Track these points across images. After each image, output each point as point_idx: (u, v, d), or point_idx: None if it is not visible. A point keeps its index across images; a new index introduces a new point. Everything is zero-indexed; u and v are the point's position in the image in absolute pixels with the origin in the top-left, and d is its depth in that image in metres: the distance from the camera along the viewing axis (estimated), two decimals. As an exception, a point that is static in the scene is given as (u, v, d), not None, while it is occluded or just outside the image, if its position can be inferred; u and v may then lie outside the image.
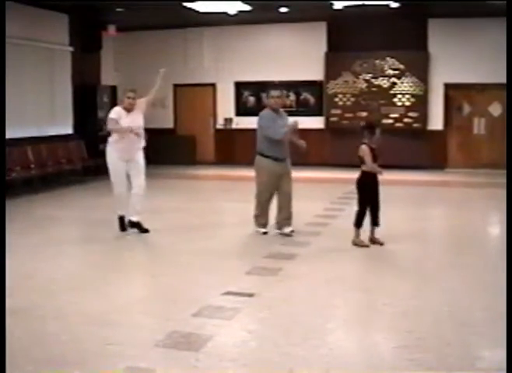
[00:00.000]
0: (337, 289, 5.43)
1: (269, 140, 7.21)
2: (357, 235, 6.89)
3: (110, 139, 7.46)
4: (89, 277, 5.97)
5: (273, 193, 7.44)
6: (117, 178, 7.48)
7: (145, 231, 7.53)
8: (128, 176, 7.55)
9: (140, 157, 7.53)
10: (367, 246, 6.82)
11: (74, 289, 5.42)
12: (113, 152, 7.42)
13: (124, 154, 7.37)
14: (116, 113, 7.35)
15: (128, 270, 6.22)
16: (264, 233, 7.47)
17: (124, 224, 7.60)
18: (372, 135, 6.72)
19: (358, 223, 6.89)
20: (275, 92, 7.51)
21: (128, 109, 7.37)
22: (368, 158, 6.70)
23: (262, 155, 7.32)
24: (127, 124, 7.23)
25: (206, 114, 15.98)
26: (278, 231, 7.48)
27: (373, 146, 6.75)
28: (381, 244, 6.87)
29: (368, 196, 6.84)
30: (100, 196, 11.06)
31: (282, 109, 7.54)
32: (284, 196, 7.42)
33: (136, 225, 7.56)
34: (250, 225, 7.53)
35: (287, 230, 7.42)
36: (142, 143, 7.52)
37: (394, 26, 13.96)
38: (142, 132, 7.42)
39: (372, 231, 6.93)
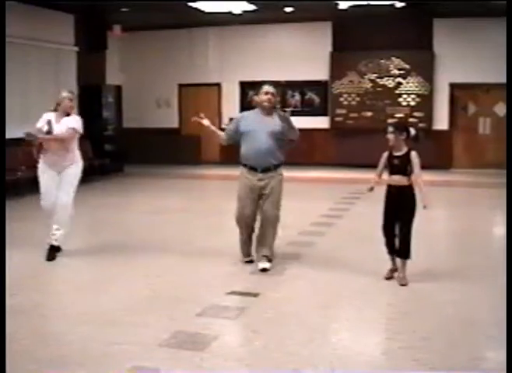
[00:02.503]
0: (342, 289, 5.42)
1: (242, 144, 6.00)
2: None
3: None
4: (93, 276, 5.97)
5: (251, 216, 6.04)
6: (42, 189, 6.45)
7: (51, 258, 6.28)
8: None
9: (71, 168, 6.48)
10: (388, 278, 5.56)
11: (77, 289, 5.42)
12: (42, 162, 6.44)
13: (52, 165, 6.41)
14: (45, 115, 6.45)
15: (133, 270, 6.23)
16: (248, 262, 6.15)
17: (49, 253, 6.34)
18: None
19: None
20: (267, 87, 5.92)
21: (67, 114, 6.44)
22: (379, 165, 5.56)
23: (241, 163, 6.06)
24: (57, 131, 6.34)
25: (211, 114, 15.91)
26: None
27: (394, 153, 5.41)
28: (403, 284, 5.40)
29: (384, 214, 5.55)
30: (106, 195, 11.09)
31: (281, 113, 5.80)
32: (263, 219, 5.98)
33: (52, 249, 6.35)
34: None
35: (261, 265, 5.90)
36: (70, 153, 6.45)
37: (400, 25, 13.95)
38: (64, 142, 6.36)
39: (392, 261, 5.60)
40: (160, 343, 4.07)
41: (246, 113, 6.24)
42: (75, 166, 6.55)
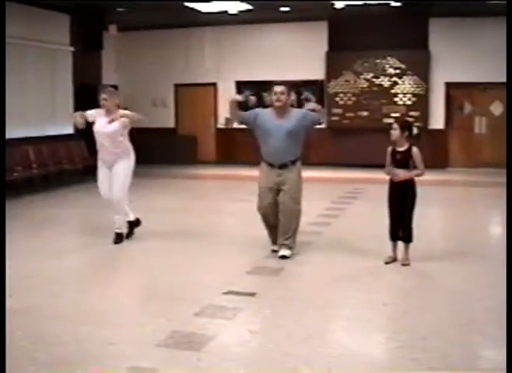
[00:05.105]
0: (339, 289, 5.42)
1: (261, 142, 6.39)
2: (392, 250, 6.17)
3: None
4: (90, 277, 5.97)
5: (270, 206, 6.35)
6: (98, 182, 7.19)
7: (119, 240, 7.11)
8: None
9: (118, 166, 7.04)
10: (387, 262, 6.08)
11: (75, 289, 5.42)
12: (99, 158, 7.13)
13: (104, 160, 7.09)
14: (94, 111, 7.02)
15: (129, 270, 6.22)
16: (274, 251, 6.49)
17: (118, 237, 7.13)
18: None
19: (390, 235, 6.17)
20: (275, 88, 6.27)
21: (108, 111, 6.97)
22: (386, 161, 6.03)
23: (261, 158, 6.46)
24: (98, 127, 6.97)
25: (207, 114, 15.98)
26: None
27: (397, 148, 5.91)
28: (405, 264, 6.01)
29: (388, 204, 6.07)
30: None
31: (296, 110, 6.54)
32: (283, 212, 6.31)
33: (118, 236, 7.11)
34: (250, 224, 7.51)
35: (280, 252, 6.33)
36: (120, 151, 7.05)
37: (396, 25, 13.96)
38: (116, 139, 7.00)
39: (393, 247, 6.15)
40: (158, 343, 4.07)
41: (263, 110, 6.49)
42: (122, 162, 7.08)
